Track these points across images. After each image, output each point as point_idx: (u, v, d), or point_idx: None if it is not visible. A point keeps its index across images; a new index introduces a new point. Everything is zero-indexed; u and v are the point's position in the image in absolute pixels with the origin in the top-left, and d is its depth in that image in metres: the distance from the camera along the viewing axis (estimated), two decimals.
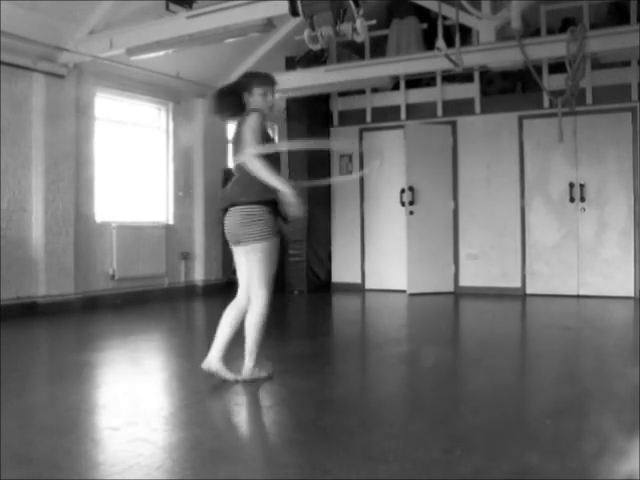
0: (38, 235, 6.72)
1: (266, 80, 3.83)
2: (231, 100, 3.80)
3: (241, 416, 3.12)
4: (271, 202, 3.60)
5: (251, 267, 3.64)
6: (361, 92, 9.20)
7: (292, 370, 4.17)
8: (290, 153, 9.07)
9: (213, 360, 3.71)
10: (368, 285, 9.14)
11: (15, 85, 6.60)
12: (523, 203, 8.39)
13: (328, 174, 9.28)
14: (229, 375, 3.68)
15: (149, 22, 6.38)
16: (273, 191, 3.53)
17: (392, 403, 3.47)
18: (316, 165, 9.00)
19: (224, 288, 9.03)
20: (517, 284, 8.37)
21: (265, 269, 3.63)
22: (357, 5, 4.34)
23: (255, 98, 3.76)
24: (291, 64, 8.76)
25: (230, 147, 3.91)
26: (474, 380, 3.96)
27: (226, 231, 3.72)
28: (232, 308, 3.75)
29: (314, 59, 8.35)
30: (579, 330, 6.01)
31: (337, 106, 9.45)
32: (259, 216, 3.59)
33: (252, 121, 3.59)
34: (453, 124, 8.76)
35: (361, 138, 9.26)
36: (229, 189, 3.72)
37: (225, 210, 3.70)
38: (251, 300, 3.66)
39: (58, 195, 6.86)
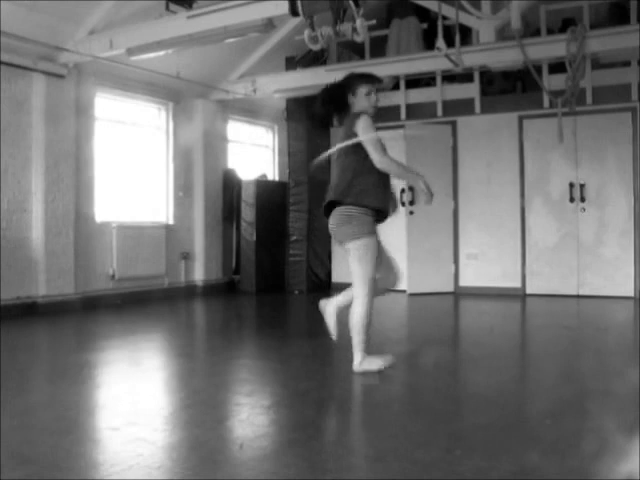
0: (38, 235, 6.72)
1: (370, 79, 3.83)
2: (334, 104, 3.83)
3: (241, 416, 3.12)
4: (375, 210, 3.74)
5: (350, 266, 3.77)
6: None
7: (292, 370, 4.17)
8: (291, 154, 9.06)
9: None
10: None
11: (15, 85, 6.60)
12: (523, 203, 8.39)
13: (328, 174, 9.25)
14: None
15: (149, 22, 6.38)
16: (381, 200, 3.73)
17: (392, 403, 3.47)
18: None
19: (224, 288, 9.04)
20: (517, 284, 8.38)
21: (363, 267, 3.71)
22: (357, 5, 4.35)
23: (359, 99, 3.79)
24: (291, 64, 8.75)
25: (335, 146, 3.88)
26: (474, 380, 3.96)
27: (330, 229, 3.88)
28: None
29: (314, 59, 8.34)
30: (579, 330, 6.01)
31: None
32: (357, 215, 3.71)
33: (365, 124, 3.63)
34: (453, 124, 8.76)
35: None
36: (334, 186, 3.85)
37: (329, 206, 3.85)
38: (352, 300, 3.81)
39: (58, 195, 6.86)
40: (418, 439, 2.73)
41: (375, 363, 3.84)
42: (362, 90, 3.80)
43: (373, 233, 3.76)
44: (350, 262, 3.77)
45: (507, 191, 8.46)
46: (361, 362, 3.82)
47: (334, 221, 3.82)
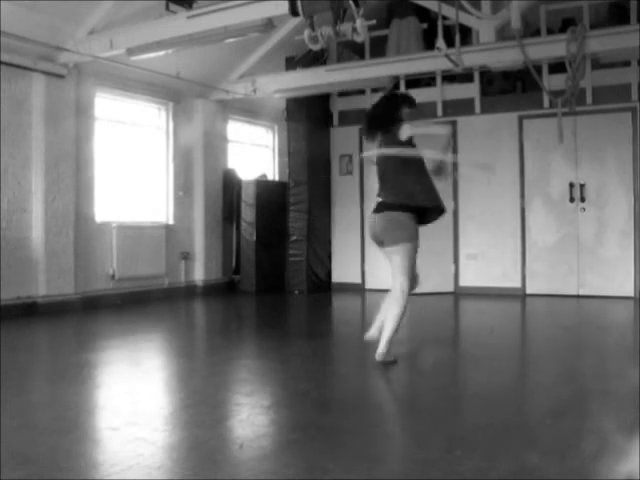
0: (38, 235, 6.72)
1: (411, 102, 4.38)
2: (383, 119, 4.32)
3: (241, 416, 3.12)
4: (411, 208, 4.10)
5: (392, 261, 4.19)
6: (361, 92, 9.19)
7: (292, 370, 4.18)
8: (291, 154, 9.08)
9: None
10: (368, 285, 9.13)
11: (15, 85, 6.60)
12: (523, 203, 8.39)
13: (328, 174, 9.31)
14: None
15: (149, 22, 6.38)
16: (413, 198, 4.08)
17: (392, 403, 3.47)
18: (316, 165, 9.03)
19: (224, 288, 9.04)
20: (517, 284, 8.37)
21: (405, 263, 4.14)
22: (357, 5, 4.35)
23: (404, 114, 4.27)
24: (291, 64, 8.75)
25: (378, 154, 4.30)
26: (474, 380, 3.96)
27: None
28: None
29: (314, 59, 8.34)
30: (579, 330, 6.01)
31: (337, 106, 9.44)
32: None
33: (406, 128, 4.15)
34: (453, 124, 8.75)
35: (361, 138, 9.25)
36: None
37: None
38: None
39: (58, 195, 6.86)
40: (418, 439, 2.73)
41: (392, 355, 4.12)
42: (405, 110, 4.29)
43: None
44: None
45: (507, 191, 8.45)
46: (383, 354, 4.08)
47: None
